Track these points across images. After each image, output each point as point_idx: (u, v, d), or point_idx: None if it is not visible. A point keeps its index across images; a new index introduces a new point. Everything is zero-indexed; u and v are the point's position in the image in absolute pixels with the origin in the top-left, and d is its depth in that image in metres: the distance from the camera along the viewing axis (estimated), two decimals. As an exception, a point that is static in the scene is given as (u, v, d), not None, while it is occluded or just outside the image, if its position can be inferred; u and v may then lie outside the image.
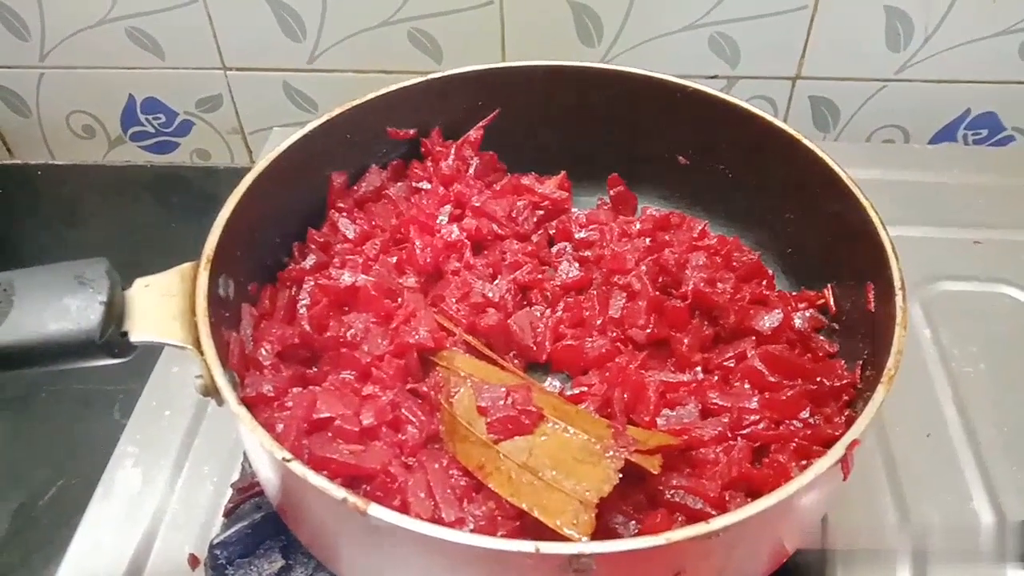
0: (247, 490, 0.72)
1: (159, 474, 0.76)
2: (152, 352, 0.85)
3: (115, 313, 0.57)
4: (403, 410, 0.65)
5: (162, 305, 0.59)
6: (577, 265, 0.81)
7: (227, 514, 0.72)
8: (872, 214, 0.68)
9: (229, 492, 0.74)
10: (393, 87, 0.81)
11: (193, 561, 0.70)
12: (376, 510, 0.48)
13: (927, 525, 0.72)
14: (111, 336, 0.56)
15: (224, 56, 1.16)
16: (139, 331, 0.57)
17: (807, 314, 0.75)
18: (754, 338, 0.72)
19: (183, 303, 0.59)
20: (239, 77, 1.18)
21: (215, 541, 0.67)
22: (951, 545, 0.72)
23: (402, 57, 1.13)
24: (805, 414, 0.66)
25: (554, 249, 0.84)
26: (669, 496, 0.60)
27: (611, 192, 0.89)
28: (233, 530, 0.67)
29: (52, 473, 0.86)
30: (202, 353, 0.57)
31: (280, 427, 0.61)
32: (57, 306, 0.55)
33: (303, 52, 1.14)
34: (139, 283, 0.60)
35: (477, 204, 0.82)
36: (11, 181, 1.26)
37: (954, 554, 0.71)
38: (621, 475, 0.57)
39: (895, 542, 0.71)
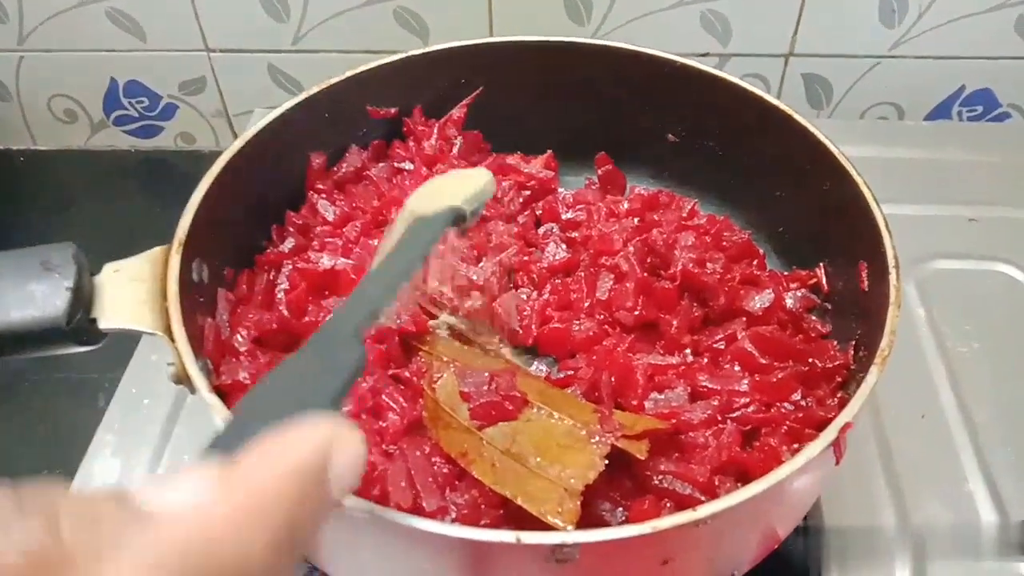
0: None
1: (138, 463, 0.74)
2: (134, 340, 0.84)
3: (83, 299, 0.54)
4: (384, 396, 0.63)
5: (132, 290, 0.57)
6: (564, 246, 0.79)
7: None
8: (865, 191, 0.66)
9: (209, 481, 0.72)
10: (373, 64, 0.79)
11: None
12: (353, 501, 0.47)
13: (926, 521, 0.71)
14: (79, 323, 0.54)
15: (207, 38, 1.14)
16: (108, 318, 0.55)
17: (799, 294, 0.73)
18: (744, 319, 0.71)
19: (154, 288, 0.57)
20: (223, 59, 1.16)
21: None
22: (950, 537, 0.70)
23: (388, 37, 1.11)
24: (797, 396, 0.64)
25: (540, 230, 0.82)
26: (657, 482, 0.59)
27: (599, 171, 0.87)
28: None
29: (36, 462, 0.85)
30: (173, 340, 0.55)
31: (256, 415, 0.59)
32: (21, 293, 0.52)
33: (287, 33, 1.12)
34: (108, 268, 0.58)
35: (461, 185, 0.80)
36: (-8, 167, 1.24)
37: (953, 545, 0.70)
38: (607, 461, 0.55)
39: (891, 530, 0.70)
